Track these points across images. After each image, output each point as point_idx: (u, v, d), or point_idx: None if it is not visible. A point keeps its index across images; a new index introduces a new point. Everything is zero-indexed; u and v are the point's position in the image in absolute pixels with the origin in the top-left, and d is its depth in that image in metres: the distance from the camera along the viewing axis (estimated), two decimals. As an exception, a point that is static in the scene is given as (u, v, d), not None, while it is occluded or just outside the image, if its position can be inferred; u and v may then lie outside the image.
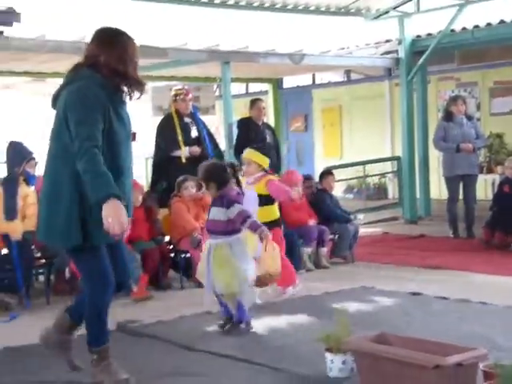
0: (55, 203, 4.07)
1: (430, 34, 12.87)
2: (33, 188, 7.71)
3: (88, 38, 8.81)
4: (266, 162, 7.30)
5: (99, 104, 3.93)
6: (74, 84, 4.04)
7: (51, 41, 9.84)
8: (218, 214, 5.87)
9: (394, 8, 13.24)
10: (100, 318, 4.30)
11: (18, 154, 7.74)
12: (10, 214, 7.35)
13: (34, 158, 7.70)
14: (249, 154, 7.41)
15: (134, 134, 4.64)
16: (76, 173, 3.90)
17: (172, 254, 8.35)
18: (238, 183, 6.37)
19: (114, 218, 3.70)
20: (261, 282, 6.29)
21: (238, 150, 10.18)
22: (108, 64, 4.04)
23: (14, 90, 15.55)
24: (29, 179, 7.59)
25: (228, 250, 5.82)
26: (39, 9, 11.59)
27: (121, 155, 4.10)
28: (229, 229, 5.85)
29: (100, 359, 4.30)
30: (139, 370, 4.87)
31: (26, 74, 12.74)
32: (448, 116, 10.82)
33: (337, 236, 9.14)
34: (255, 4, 13.12)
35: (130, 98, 4.24)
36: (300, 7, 13.44)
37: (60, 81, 13.44)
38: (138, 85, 4.19)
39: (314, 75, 16.67)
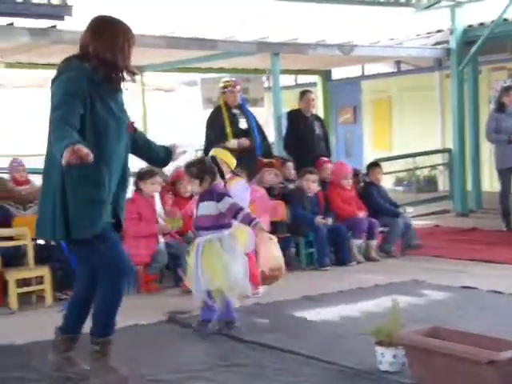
0: (45, 197, 4.10)
1: (482, 24, 12.66)
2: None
3: (135, 30, 8.87)
4: (234, 162, 6.93)
5: (78, 91, 3.89)
6: (60, 77, 4.06)
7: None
8: (207, 208, 5.66)
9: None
10: (112, 307, 4.26)
11: None
12: None
13: None
14: (221, 153, 6.85)
15: (132, 124, 4.52)
16: (60, 161, 3.69)
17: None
18: (223, 177, 6.09)
19: (72, 155, 3.49)
20: (267, 278, 6.36)
21: (288, 143, 10.20)
22: (96, 54, 4.02)
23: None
24: None
25: (218, 245, 5.61)
26: (90, 1, 11.69)
27: (107, 143, 4.02)
28: (219, 223, 5.65)
29: (102, 352, 4.26)
30: (190, 362, 4.93)
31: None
32: (500, 107, 10.70)
33: (386, 229, 9.09)
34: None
35: (122, 85, 4.25)
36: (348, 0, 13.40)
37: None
38: (128, 74, 4.19)
39: (363, 66, 16.58)
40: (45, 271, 7.02)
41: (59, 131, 3.72)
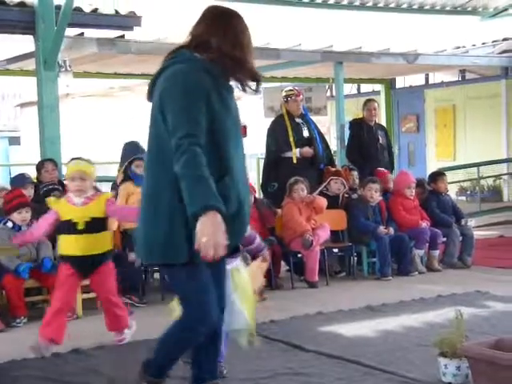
0: (153, 216, 3.30)
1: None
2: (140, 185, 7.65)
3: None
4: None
5: (201, 90, 3.18)
6: (171, 68, 3.31)
7: (168, 44, 10.04)
8: None
9: (494, 15, 13.02)
10: (176, 350, 3.59)
11: (126, 152, 7.88)
12: None
13: (140, 158, 7.68)
14: (85, 166, 5.27)
15: (245, 128, 4.22)
16: (176, 177, 3.14)
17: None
18: None
19: (209, 236, 2.92)
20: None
21: (350, 151, 10.16)
22: (220, 47, 3.30)
23: (131, 91, 15.92)
24: (134, 178, 7.55)
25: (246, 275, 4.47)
26: (158, 12, 11.83)
27: (228, 153, 3.28)
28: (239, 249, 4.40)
29: None
30: (252, 370, 4.94)
31: (143, 76, 13.04)
32: None
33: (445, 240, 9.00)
34: (369, 4, 13.08)
35: (244, 90, 3.46)
36: (414, 6, 13.32)
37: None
38: (253, 76, 3.43)
39: (427, 75, 16.45)
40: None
41: (189, 159, 3.03)
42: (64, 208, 4.69)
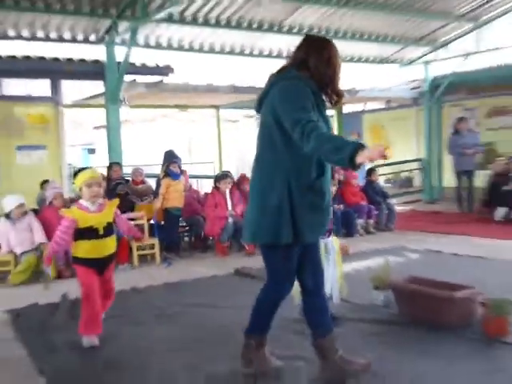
0: (265, 204, 2.87)
1: (444, 75, 12.63)
2: (177, 180, 7.68)
3: (214, 84, 8.72)
4: None
5: (309, 98, 2.81)
6: (282, 82, 2.89)
7: (192, 85, 10.08)
8: None
9: (420, 57, 13.17)
10: (265, 312, 3.13)
11: (166, 158, 7.93)
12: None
13: (175, 162, 7.76)
14: (98, 174, 4.36)
15: None
16: (288, 171, 2.82)
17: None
18: None
19: (371, 151, 2.45)
20: None
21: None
22: (317, 66, 2.92)
23: (168, 117, 16.01)
24: (172, 175, 7.60)
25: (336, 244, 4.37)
26: (185, 63, 11.86)
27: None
28: None
29: (256, 346, 3.14)
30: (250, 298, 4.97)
31: (175, 106, 13.08)
32: (455, 131, 10.77)
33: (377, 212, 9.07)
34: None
35: (331, 103, 3.06)
36: (355, 59, 13.33)
37: (197, 111, 13.57)
38: (338, 92, 3.01)
39: (364, 104, 16.42)
40: (155, 241, 7.18)
41: (317, 134, 2.60)
42: (83, 216, 3.81)
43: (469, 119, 11.35)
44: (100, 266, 3.93)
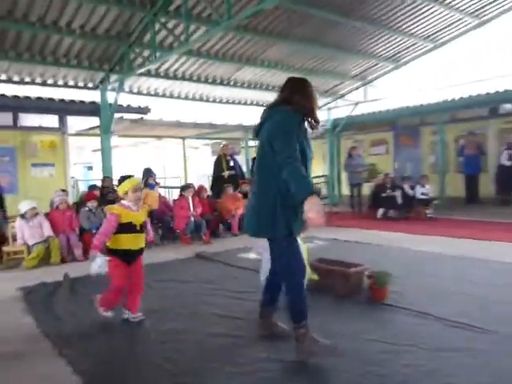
0: (264, 206, 2.69)
1: (342, 117, 12.89)
2: (153, 190, 7.60)
3: (181, 121, 8.53)
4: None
5: (295, 132, 2.62)
6: (275, 117, 2.71)
7: (164, 121, 9.86)
8: None
9: (325, 105, 13.36)
10: (302, 297, 2.72)
11: (144, 173, 7.82)
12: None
13: (152, 176, 7.72)
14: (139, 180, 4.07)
15: None
16: (278, 182, 2.61)
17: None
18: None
19: (316, 210, 2.37)
20: None
21: (253, 171, 10.08)
22: (298, 101, 2.73)
23: (147, 144, 15.67)
24: (149, 186, 7.50)
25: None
26: (160, 105, 11.59)
27: (307, 165, 2.73)
28: None
29: (305, 332, 2.71)
30: (202, 275, 4.87)
31: (153, 136, 12.75)
32: (349, 156, 10.87)
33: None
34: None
35: (312, 129, 2.85)
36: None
37: (168, 140, 13.17)
38: (316, 120, 2.80)
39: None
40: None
41: (292, 168, 2.48)
42: (125, 213, 3.39)
43: (358, 148, 11.54)
44: (133, 257, 3.49)
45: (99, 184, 8.12)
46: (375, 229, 7.91)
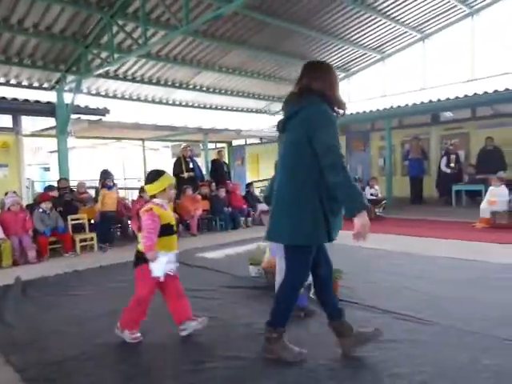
0: (300, 211, 2.30)
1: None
2: (110, 190, 7.35)
3: (141, 123, 8.30)
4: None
5: (335, 122, 2.30)
6: (309, 109, 2.30)
7: (123, 123, 9.57)
8: None
9: (281, 110, 13.44)
10: (287, 305, 2.47)
11: (102, 174, 7.60)
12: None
13: (109, 177, 7.51)
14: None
15: None
16: (317, 183, 2.28)
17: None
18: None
19: (365, 228, 2.15)
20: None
21: (212, 174, 9.93)
22: (319, 89, 2.36)
23: (107, 146, 15.18)
24: (107, 187, 7.26)
25: None
26: (119, 106, 11.26)
27: None
28: None
29: (278, 338, 2.50)
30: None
31: (110, 138, 12.35)
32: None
33: (253, 213, 9.01)
34: (218, 107, 12.97)
35: (338, 115, 2.42)
36: (240, 109, 13.42)
37: (128, 141, 12.72)
38: (341, 104, 2.42)
39: (245, 140, 16.61)
40: (93, 235, 6.67)
41: (346, 173, 2.16)
42: (162, 213, 2.83)
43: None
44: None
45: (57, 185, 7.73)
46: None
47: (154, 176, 2.90)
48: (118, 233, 7.68)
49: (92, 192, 8.08)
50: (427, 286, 3.88)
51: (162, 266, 2.80)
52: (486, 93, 8.62)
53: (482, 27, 10.35)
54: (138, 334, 2.95)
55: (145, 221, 2.77)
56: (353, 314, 3.29)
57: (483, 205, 7.24)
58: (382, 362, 2.50)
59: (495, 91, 8.50)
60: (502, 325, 2.95)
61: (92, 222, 7.05)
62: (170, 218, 2.91)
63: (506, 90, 8.33)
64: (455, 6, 10.01)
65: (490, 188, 7.38)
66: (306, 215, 2.30)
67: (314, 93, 2.35)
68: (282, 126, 2.48)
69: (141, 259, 2.83)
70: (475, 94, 8.81)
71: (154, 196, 2.88)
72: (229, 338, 2.92)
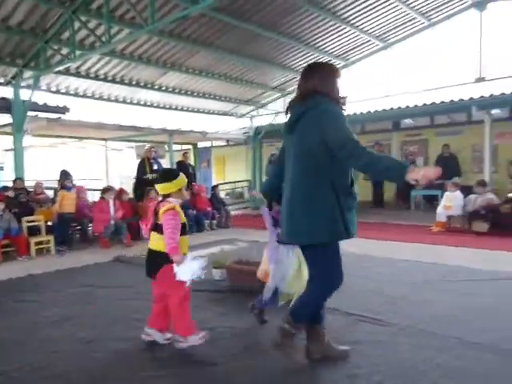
0: (318, 209, 2.25)
1: (263, 125, 13.08)
2: (69, 192, 7.15)
3: (103, 122, 8.08)
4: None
5: (343, 115, 2.32)
6: (318, 108, 2.28)
7: (84, 122, 9.27)
8: None
9: (248, 113, 13.54)
10: (315, 309, 2.48)
11: (61, 175, 7.36)
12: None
13: (69, 178, 7.28)
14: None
15: None
16: (332, 179, 2.26)
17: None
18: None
19: (428, 173, 1.97)
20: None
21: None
22: (322, 90, 2.34)
23: (66, 145, 14.69)
24: (66, 188, 7.07)
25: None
26: (81, 105, 10.90)
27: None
28: None
29: (293, 334, 2.46)
30: (123, 279, 4.64)
31: (70, 137, 11.92)
32: (270, 161, 11.08)
33: (218, 215, 9.00)
34: (184, 109, 12.85)
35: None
36: (206, 111, 13.34)
37: (90, 141, 12.34)
38: (343, 100, 2.41)
39: (212, 142, 16.52)
40: (50, 237, 6.42)
41: (367, 152, 2.08)
42: (180, 212, 2.74)
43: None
44: None
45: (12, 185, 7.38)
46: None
47: (170, 175, 2.81)
48: (77, 235, 7.43)
49: (50, 193, 7.77)
50: (388, 289, 3.99)
51: (190, 269, 2.59)
52: (442, 102, 9.00)
53: (441, 39, 10.83)
54: (204, 332, 2.77)
55: (169, 220, 2.64)
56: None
57: (439, 209, 7.54)
58: (341, 363, 2.54)
59: (451, 101, 8.89)
60: (456, 325, 3.07)
61: (49, 224, 6.77)
62: (184, 217, 2.79)
63: (461, 100, 8.74)
64: (415, 18, 10.40)
65: (446, 193, 7.71)
66: (324, 213, 2.26)
67: (318, 94, 2.34)
68: (289, 128, 2.43)
69: (164, 259, 2.66)
70: (433, 103, 9.18)
71: (168, 195, 2.77)
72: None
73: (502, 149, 9.99)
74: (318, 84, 2.36)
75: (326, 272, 2.36)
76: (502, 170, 9.97)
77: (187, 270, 2.60)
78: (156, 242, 2.74)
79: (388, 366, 2.50)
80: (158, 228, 2.73)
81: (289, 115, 2.46)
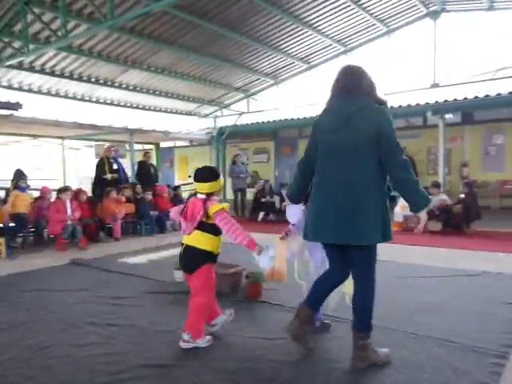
0: (367, 212, 2.28)
1: (227, 126, 13.02)
2: (23, 192, 6.85)
3: (60, 120, 7.79)
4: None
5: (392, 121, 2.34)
6: (370, 108, 2.31)
7: (39, 119, 8.89)
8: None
9: (212, 113, 13.46)
10: (372, 307, 2.47)
11: (15, 175, 7.05)
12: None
13: (23, 178, 6.97)
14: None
15: None
16: (381, 181, 2.31)
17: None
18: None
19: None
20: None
21: (138, 176, 9.59)
22: (369, 91, 2.40)
23: (20, 143, 14.05)
24: (20, 188, 6.78)
25: None
26: (33, 101, 10.41)
27: None
28: None
29: (368, 343, 2.48)
30: (80, 281, 4.48)
31: (22, 135, 11.38)
32: (234, 162, 11.11)
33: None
34: (146, 108, 12.60)
35: None
36: (168, 111, 13.16)
37: (46, 139, 11.89)
38: (383, 102, 2.42)
39: (175, 142, 16.30)
40: (1, 239, 6.10)
41: (412, 171, 2.26)
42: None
43: (242, 155, 11.81)
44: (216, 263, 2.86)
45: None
46: (256, 231, 8.07)
47: (213, 174, 2.83)
48: (31, 237, 7.10)
49: (1, 193, 7.39)
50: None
51: (268, 258, 2.72)
52: (400, 106, 9.32)
53: (397, 46, 11.23)
54: (209, 337, 2.85)
55: (225, 218, 2.72)
56: (274, 315, 3.35)
57: (397, 209, 7.80)
58: (301, 361, 2.56)
59: (408, 105, 9.22)
60: (409, 321, 3.19)
61: (1, 225, 6.43)
62: None
63: (417, 104, 9.08)
64: (374, 24, 10.72)
65: (404, 194, 7.98)
66: (379, 213, 2.31)
67: (364, 91, 2.38)
68: (337, 125, 2.36)
69: (205, 257, 2.75)
70: (391, 107, 9.49)
71: (211, 194, 2.80)
72: (148, 346, 2.81)
73: (455, 152, 10.48)
74: (369, 84, 2.42)
75: (375, 270, 2.47)
76: (454, 172, 10.46)
77: (266, 259, 2.71)
78: (198, 240, 2.76)
79: (345, 360, 2.54)
80: (204, 226, 2.75)
81: (329, 112, 2.45)
